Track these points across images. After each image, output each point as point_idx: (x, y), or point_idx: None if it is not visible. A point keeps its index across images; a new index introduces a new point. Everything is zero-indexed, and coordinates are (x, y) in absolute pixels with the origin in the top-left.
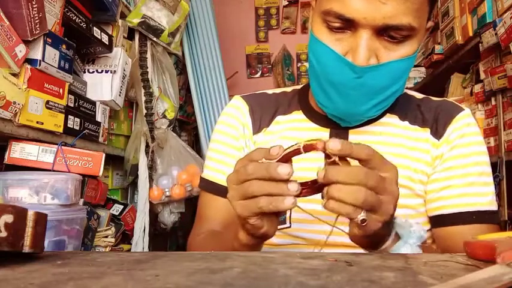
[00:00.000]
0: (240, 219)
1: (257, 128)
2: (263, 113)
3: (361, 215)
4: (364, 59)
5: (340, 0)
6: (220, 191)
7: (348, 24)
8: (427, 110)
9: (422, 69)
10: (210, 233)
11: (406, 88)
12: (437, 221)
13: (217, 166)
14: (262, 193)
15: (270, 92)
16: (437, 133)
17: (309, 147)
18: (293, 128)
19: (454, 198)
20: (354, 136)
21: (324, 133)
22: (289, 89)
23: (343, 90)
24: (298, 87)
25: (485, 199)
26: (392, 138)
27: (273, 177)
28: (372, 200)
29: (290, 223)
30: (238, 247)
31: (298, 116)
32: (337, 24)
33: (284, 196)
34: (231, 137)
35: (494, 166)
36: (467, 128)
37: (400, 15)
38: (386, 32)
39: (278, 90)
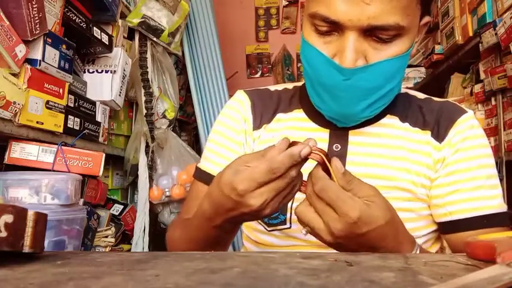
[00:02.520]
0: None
1: (258, 123)
2: (264, 109)
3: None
4: (351, 61)
5: (325, 3)
6: None
7: (335, 27)
8: (429, 112)
9: (422, 69)
10: (182, 221)
11: (407, 88)
12: (448, 227)
13: (215, 158)
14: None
15: (272, 88)
16: (439, 136)
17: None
18: (293, 127)
19: (462, 203)
20: (354, 137)
21: (323, 134)
22: (290, 86)
23: (333, 92)
24: (299, 84)
25: (495, 202)
26: (392, 140)
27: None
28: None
29: (290, 224)
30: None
31: (299, 114)
32: (324, 28)
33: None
34: (232, 130)
35: None
36: (470, 130)
37: (386, 15)
38: (373, 33)
39: (280, 87)
